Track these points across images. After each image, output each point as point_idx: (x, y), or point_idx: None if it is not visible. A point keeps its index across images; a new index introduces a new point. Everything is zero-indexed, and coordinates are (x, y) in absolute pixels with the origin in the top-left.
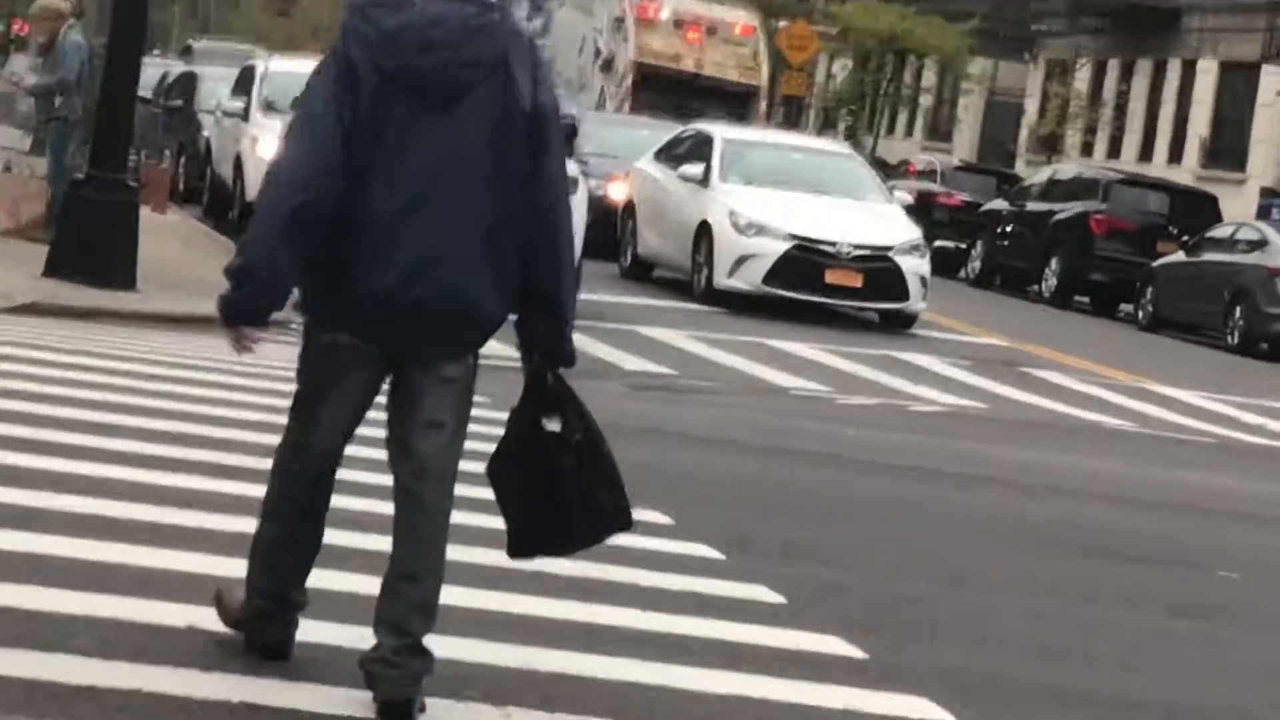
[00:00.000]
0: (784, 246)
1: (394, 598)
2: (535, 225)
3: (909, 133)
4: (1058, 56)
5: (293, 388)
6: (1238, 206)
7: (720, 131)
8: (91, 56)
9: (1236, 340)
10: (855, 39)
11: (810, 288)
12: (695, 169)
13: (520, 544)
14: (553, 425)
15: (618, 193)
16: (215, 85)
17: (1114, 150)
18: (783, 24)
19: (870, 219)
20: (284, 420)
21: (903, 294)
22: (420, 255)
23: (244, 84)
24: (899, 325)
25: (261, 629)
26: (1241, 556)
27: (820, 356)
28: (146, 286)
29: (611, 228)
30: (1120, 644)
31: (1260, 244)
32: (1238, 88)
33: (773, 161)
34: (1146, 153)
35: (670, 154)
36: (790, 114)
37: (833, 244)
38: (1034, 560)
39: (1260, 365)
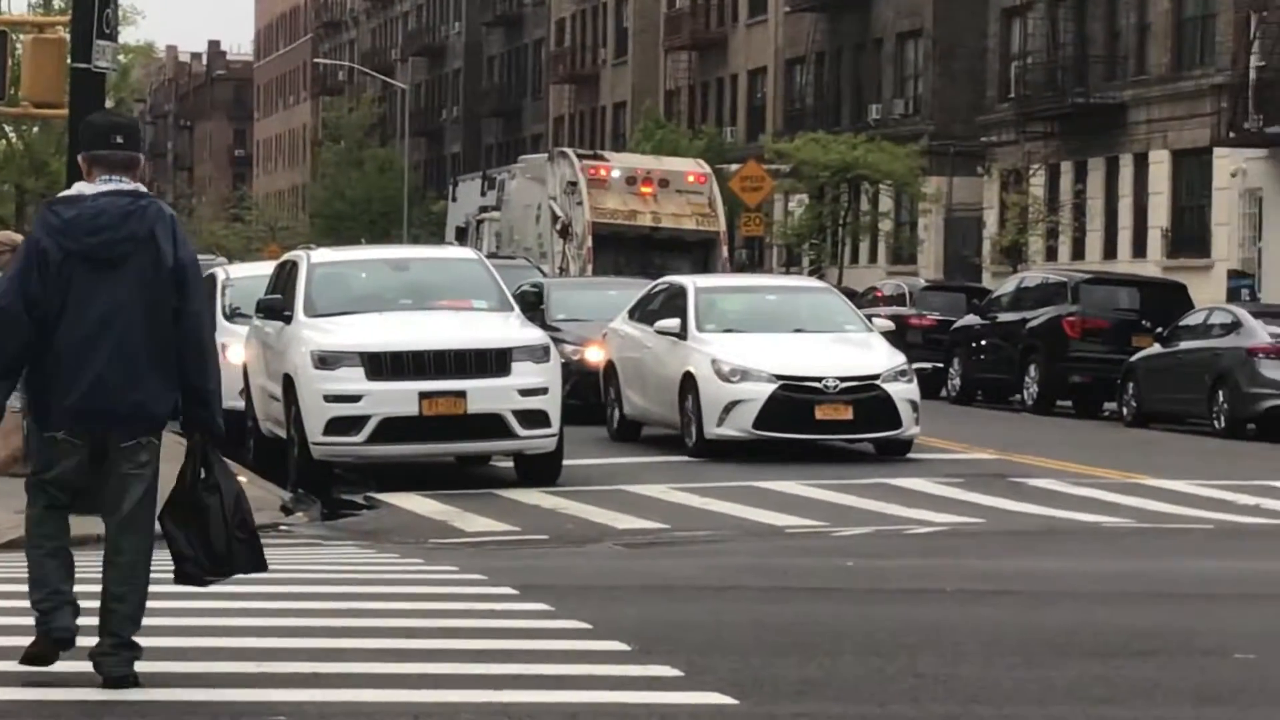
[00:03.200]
0: (770, 388)
1: (109, 613)
2: (184, 344)
3: (873, 259)
4: (1010, 165)
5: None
6: (1207, 292)
7: (692, 281)
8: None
9: (1223, 424)
10: (808, 173)
11: (802, 427)
12: (672, 322)
13: (186, 572)
14: (209, 480)
15: (595, 356)
16: None
17: (1078, 251)
18: (735, 167)
19: (853, 350)
20: (283, 622)
21: (895, 421)
22: (100, 375)
23: (206, 295)
24: (895, 453)
25: (49, 623)
26: (1255, 637)
27: (811, 492)
28: None
29: (592, 391)
30: None
31: (1235, 326)
32: (1192, 174)
33: (748, 305)
34: (1110, 250)
35: (644, 310)
36: (753, 255)
37: (819, 380)
38: (1048, 667)
39: (1249, 446)
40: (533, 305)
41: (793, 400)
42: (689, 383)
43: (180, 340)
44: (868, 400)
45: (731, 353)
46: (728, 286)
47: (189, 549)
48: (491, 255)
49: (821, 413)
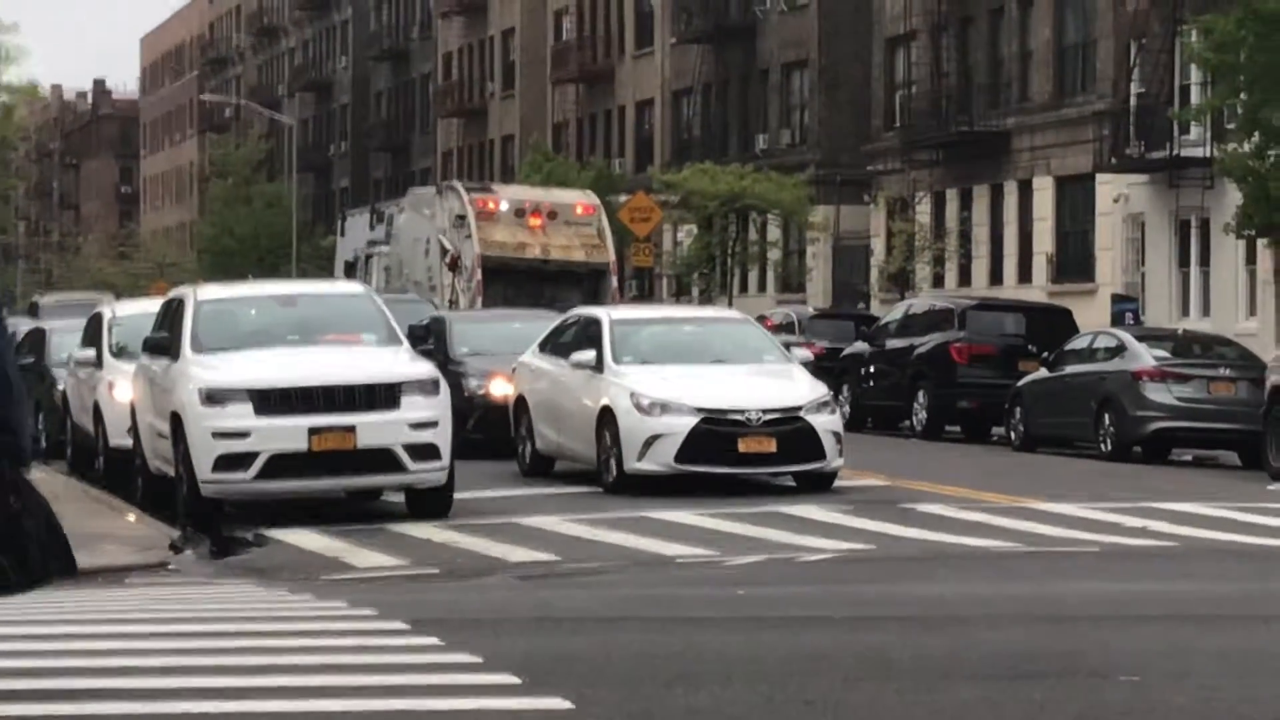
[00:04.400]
0: (692, 421)
1: None
2: None
3: (762, 288)
4: (896, 194)
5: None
6: (1092, 316)
7: (606, 313)
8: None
9: (1110, 447)
10: (696, 204)
11: (725, 460)
12: (587, 354)
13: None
14: (15, 503)
15: (500, 389)
16: (64, 338)
17: (964, 278)
18: (624, 198)
19: (775, 382)
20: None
21: (818, 453)
22: None
23: (92, 333)
24: (819, 487)
25: None
26: (1141, 659)
27: (702, 521)
28: None
29: (498, 425)
30: None
31: (1119, 350)
32: (1076, 200)
33: (664, 336)
34: (996, 276)
35: (556, 343)
36: (643, 286)
37: (741, 411)
38: (937, 692)
39: (1135, 469)
40: (420, 339)
41: (715, 433)
42: (607, 417)
43: None
44: (791, 432)
45: (651, 385)
46: (643, 318)
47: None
48: (383, 290)
49: (745, 445)
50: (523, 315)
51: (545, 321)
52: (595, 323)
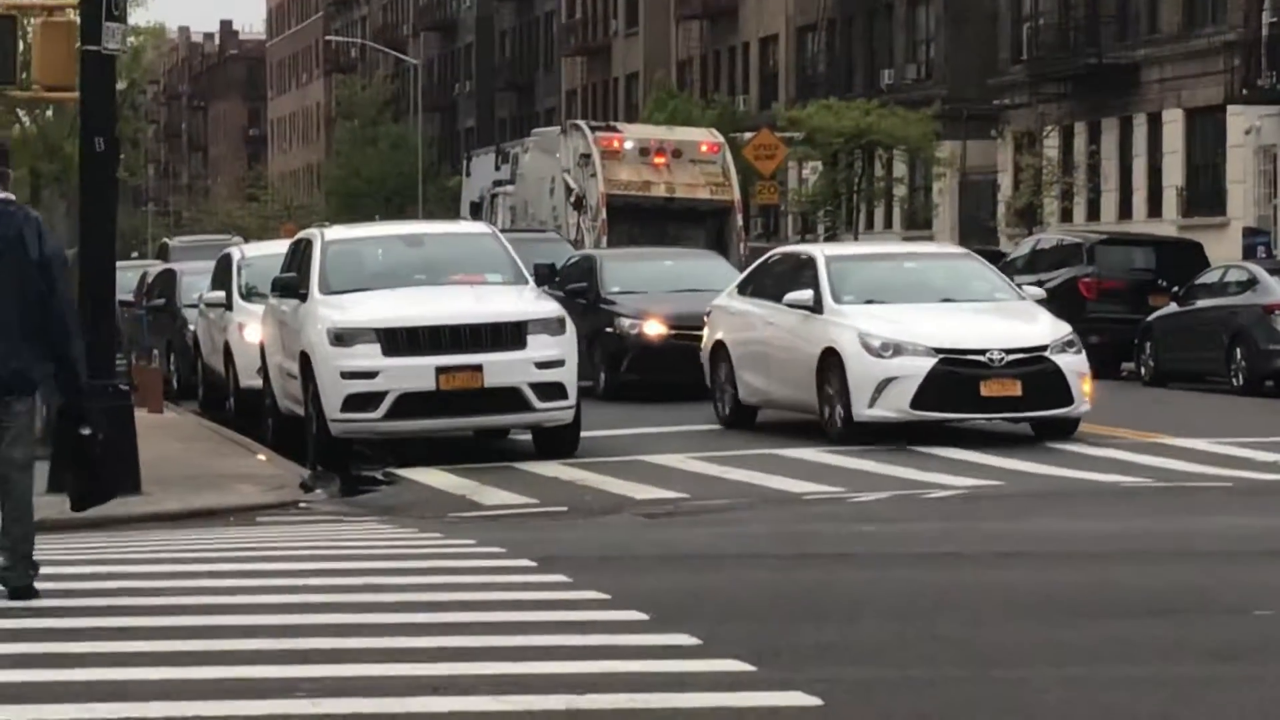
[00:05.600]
0: (929, 363)
1: (5, 536)
2: (50, 322)
3: (888, 225)
4: (1024, 128)
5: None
6: (1223, 250)
7: (820, 250)
8: (67, 267)
9: (1241, 382)
10: (821, 141)
11: (965, 405)
12: (803, 294)
13: (78, 503)
14: (84, 429)
15: (654, 330)
16: (195, 280)
17: (1093, 212)
18: (748, 136)
19: (1013, 320)
20: (303, 599)
21: (1065, 398)
22: None
23: (222, 275)
24: (1059, 434)
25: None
26: (1273, 594)
27: (829, 458)
28: (151, 487)
29: (650, 367)
30: (1164, 697)
31: (1251, 283)
32: (1206, 133)
33: (886, 274)
34: (1125, 210)
35: (758, 284)
36: (768, 224)
37: (982, 352)
38: (1066, 629)
39: (1268, 403)
40: (546, 279)
41: (955, 376)
42: (830, 360)
43: (48, 320)
44: (1036, 374)
45: (880, 325)
46: (861, 254)
47: (78, 485)
48: (514, 229)
49: (987, 389)
50: (675, 254)
51: (698, 259)
52: (808, 261)
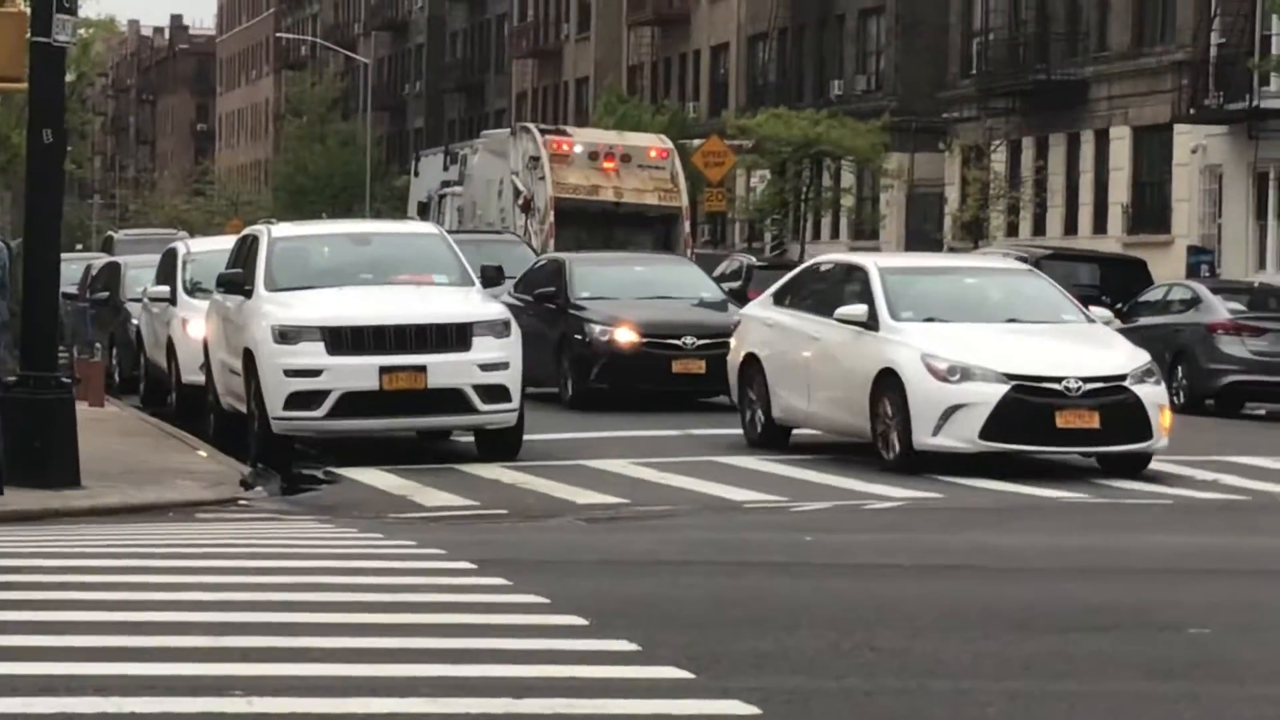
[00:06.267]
0: (1001, 390)
1: None
2: None
3: (835, 235)
4: (972, 142)
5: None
6: (1167, 268)
7: (873, 262)
8: (11, 259)
9: (1183, 400)
10: (770, 149)
11: (1038, 437)
12: (857, 309)
13: None
14: None
15: (625, 337)
16: (139, 273)
17: (1039, 227)
18: (697, 143)
19: (1088, 346)
20: (241, 597)
21: (1144, 432)
22: None
23: (167, 269)
24: (1130, 469)
25: None
26: (1210, 611)
27: (771, 467)
28: (91, 481)
29: (621, 374)
30: (1099, 712)
31: (1194, 302)
32: (1153, 151)
33: (946, 290)
34: (1071, 226)
35: (799, 294)
36: (715, 231)
37: (1058, 380)
38: (1004, 642)
39: (1207, 421)
40: (492, 280)
41: (1028, 404)
42: (888, 382)
43: None
44: (1114, 405)
45: (946, 346)
46: (918, 267)
47: None
48: (472, 230)
49: (1063, 419)
50: (646, 259)
51: (670, 265)
52: (859, 272)
